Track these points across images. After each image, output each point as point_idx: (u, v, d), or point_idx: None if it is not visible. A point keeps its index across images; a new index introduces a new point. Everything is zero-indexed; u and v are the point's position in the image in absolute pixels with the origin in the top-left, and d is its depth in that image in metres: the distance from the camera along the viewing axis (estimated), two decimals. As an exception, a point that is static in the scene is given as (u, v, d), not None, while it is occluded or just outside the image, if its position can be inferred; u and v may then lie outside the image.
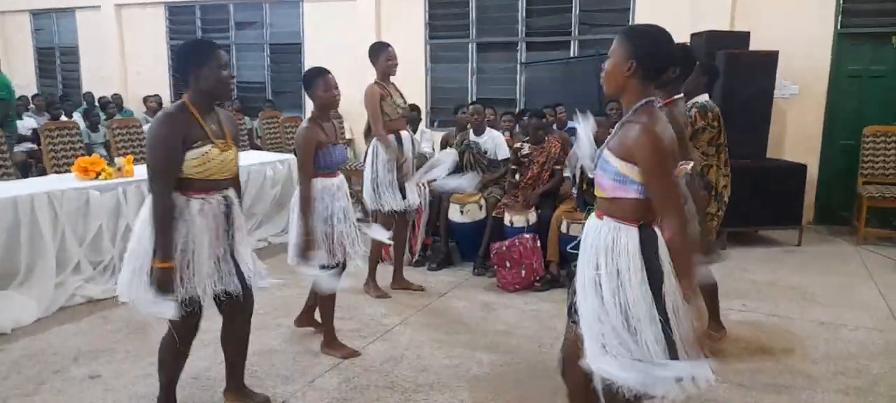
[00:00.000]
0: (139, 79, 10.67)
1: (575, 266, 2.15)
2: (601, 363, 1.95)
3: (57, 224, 4.24)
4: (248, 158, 5.97)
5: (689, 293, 1.94)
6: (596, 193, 2.07)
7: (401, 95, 4.53)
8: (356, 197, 4.23)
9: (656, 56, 1.95)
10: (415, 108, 5.79)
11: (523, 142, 5.44)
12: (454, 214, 5.25)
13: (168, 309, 2.38)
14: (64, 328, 3.95)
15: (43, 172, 6.71)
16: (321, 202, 3.40)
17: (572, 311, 2.14)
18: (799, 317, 4.28)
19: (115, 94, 10.05)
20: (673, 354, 1.91)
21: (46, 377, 3.30)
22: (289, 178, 6.11)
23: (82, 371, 3.36)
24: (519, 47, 8.27)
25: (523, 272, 4.69)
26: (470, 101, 7.67)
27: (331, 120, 3.56)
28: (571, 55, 7.92)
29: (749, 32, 6.47)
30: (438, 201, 5.43)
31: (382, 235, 3.97)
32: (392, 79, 4.52)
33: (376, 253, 4.62)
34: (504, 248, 4.71)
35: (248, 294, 2.71)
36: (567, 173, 5.28)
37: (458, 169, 5.60)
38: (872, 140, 6.51)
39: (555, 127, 5.93)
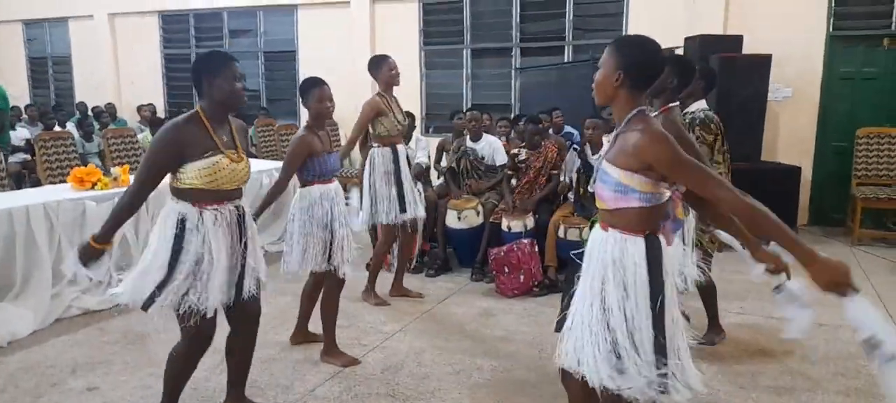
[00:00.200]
0: (133, 89, 10.65)
1: (576, 276, 2.15)
2: (603, 371, 1.96)
3: (53, 235, 4.22)
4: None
5: (793, 246, 1.81)
6: (598, 205, 2.07)
7: (400, 110, 4.52)
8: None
9: (644, 66, 1.96)
10: (409, 116, 5.80)
11: (520, 147, 5.45)
12: (451, 220, 5.25)
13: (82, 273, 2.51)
14: (60, 340, 3.92)
15: (37, 183, 6.68)
16: (321, 208, 3.42)
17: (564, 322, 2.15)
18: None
19: (109, 104, 10.02)
20: (662, 364, 1.93)
21: (44, 390, 3.28)
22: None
23: (80, 384, 3.34)
24: (513, 53, 8.30)
25: (522, 277, 4.69)
26: (465, 108, 7.71)
27: (325, 128, 3.57)
28: (566, 60, 7.95)
29: (742, 36, 6.51)
30: (435, 207, 5.43)
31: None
32: (394, 91, 4.52)
33: (379, 262, 4.60)
34: (502, 254, 4.72)
35: (257, 302, 2.70)
36: (563, 178, 5.29)
37: (454, 175, 5.63)
38: (865, 141, 6.55)
39: (551, 131, 5.93)
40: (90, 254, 2.46)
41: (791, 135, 7.02)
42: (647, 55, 1.97)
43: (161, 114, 10.02)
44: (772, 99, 6.68)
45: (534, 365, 3.59)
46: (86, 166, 5.38)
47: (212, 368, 3.34)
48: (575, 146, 5.27)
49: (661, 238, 1.99)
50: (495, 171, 5.50)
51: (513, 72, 8.31)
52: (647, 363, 1.92)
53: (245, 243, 2.62)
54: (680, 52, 6.77)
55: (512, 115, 7.22)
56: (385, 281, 4.78)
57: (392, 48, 8.63)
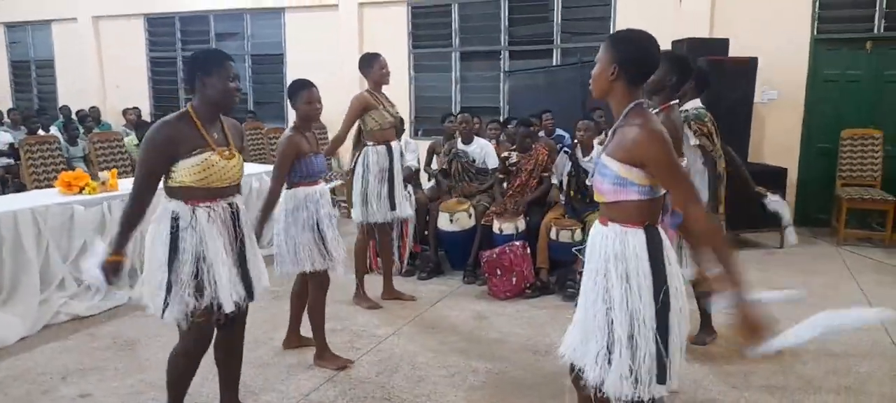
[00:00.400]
0: (117, 92, 10.54)
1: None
2: (603, 373, 1.98)
3: (40, 240, 4.17)
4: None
5: (731, 277, 1.89)
6: (596, 199, 2.08)
7: (392, 105, 4.53)
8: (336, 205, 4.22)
9: (639, 60, 1.98)
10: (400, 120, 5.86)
11: (511, 150, 5.46)
12: (443, 223, 5.25)
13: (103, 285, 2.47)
14: (50, 346, 3.86)
15: (20, 187, 6.59)
16: (306, 210, 3.41)
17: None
18: (787, 318, 4.30)
19: (93, 107, 9.92)
20: (662, 366, 1.94)
21: (35, 398, 3.23)
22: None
23: (72, 391, 3.29)
24: (502, 56, 8.32)
25: (514, 279, 4.69)
26: (454, 111, 7.73)
27: (311, 130, 3.57)
28: (554, 63, 7.98)
29: (728, 39, 6.58)
30: (426, 210, 5.43)
31: None
32: (384, 89, 4.52)
33: (362, 264, 4.59)
34: (494, 256, 4.72)
35: (243, 312, 2.68)
36: (554, 180, 5.31)
37: (445, 177, 5.63)
38: (850, 143, 6.65)
39: (542, 134, 5.95)
40: (110, 269, 2.41)
41: (777, 137, 7.10)
42: (641, 49, 1.99)
43: (147, 117, 9.94)
44: (758, 101, 6.76)
45: (529, 367, 3.59)
46: (71, 170, 5.32)
47: (205, 373, 3.30)
48: (566, 149, 5.29)
49: (661, 229, 2.01)
50: (487, 174, 5.51)
51: (501, 75, 8.33)
52: (647, 357, 1.92)
53: (242, 241, 2.59)
54: (668, 54, 6.83)
55: (501, 118, 7.24)
56: (376, 284, 4.77)
57: (381, 50, 8.59)
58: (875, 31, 6.74)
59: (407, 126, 7.87)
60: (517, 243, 4.81)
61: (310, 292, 3.53)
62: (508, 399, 3.23)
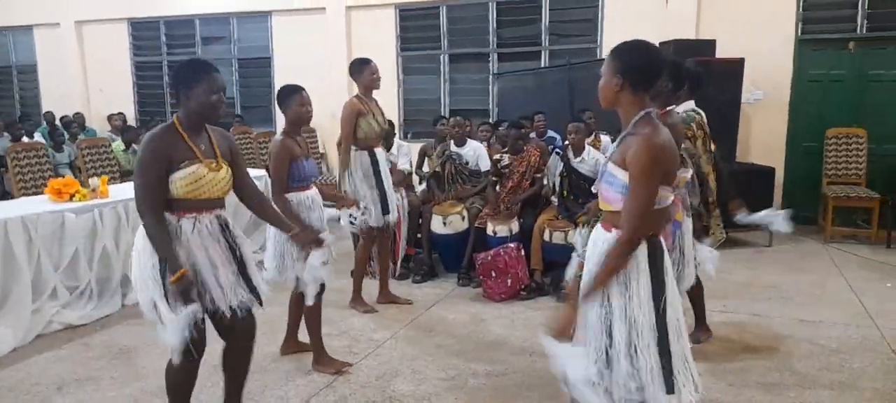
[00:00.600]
0: (102, 97, 10.43)
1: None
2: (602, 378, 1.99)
3: (32, 248, 4.10)
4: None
5: (590, 289, 2.00)
6: (602, 206, 2.09)
7: (381, 112, 4.52)
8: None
9: (642, 69, 2.00)
10: (390, 123, 5.85)
11: (502, 152, 5.48)
12: (437, 226, 5.25)
13: (190, 317, 2.33)
14: (43, 356, 3.81)
15: (6, 195, 6.50)
16: (296, 219, 3.38)
17: None
18: (779, 316, 4.40)
19: (77, 113, 9.80)
20: (668, 368, 1.94)
21: (30, 408, 3.19)
22: (265, 194, 6.02)
23: (68, 401, 3.26)
24: (490, 58, 8.35)
25: (509, 281, 4.71)
26: (443, 113, 7.74)
27: (302, 134, 3.56)
28: (542, 65, 8.02)
29: (715, 41, 6.65)
30: (419, 213, 5.43)
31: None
32: (374, 94, 4.52)
33: (362, 268, 4.59)
34: (489, 258, 4.73)
35: (251, 316, 2.65)
36: (546, 181, 5.34)
37: (438, 180, 5.64)
38: (834, 142, 6.75)
39: (533, 135, 5.98)
40: (181, 287, 2.33)
41: (763, 137, 7.19)
42: (643, 58, 2.01)
43: (132, 122, 9.83)
44: (744, 102, 6.84)
45: (528, 369, 3.61)
46: (58, 177, 5.26)
47: (203, 381, 3.27)
48: (557, 150, 5.32)
49: (663, 240, 2.03)
50: (480, 176, 5.52)
51: (490, 77, 8.36)
52: (651, 366, 1.94)
53: (235, 252, 2.57)
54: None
55: (491, 120, 7.27)
56: (371, 288, 4.76)
57: (369, 53, 8.53)
58: (858, 31, 6.86)
59: (396, 129, 7.89)
60: (511, 245, 4.83)
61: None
62: (511, 401, 3.24)
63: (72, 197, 4.52)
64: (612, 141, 5.59)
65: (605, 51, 7.63)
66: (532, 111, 6.50)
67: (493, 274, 4.73)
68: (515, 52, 8.27)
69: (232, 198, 2.71)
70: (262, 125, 9.37)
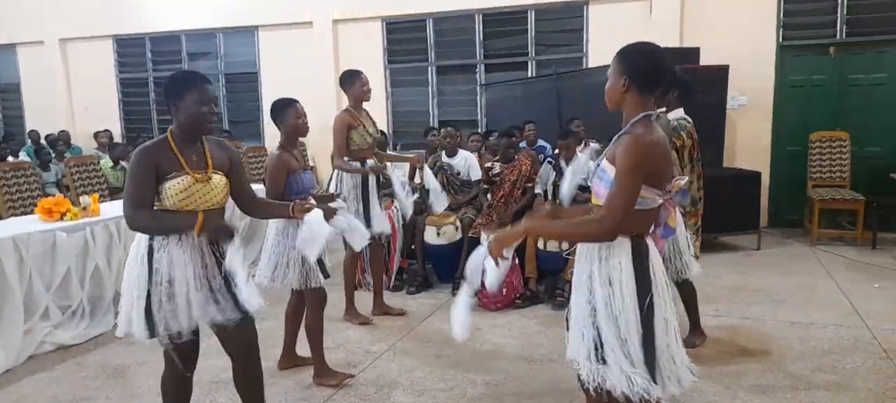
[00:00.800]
0: (87, 115, 10.34)
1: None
2: (592, 368, 2.02)
3: (23, 268, 4.05)
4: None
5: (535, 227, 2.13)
6: (593, 202, 2.12)
7: (372, 123, 4.54)
8: None
9: (648, 70, 2.03)
10: (382, 134, 5.88)
11: (493, 161, 5.51)
12: (430, 237, 5.27)
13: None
14: (36, 377, 3.77)
15: (-8, 215, 6.42)
16: (295, 228, 3.37)
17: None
18: (771, 319, 4.45)
19: (63, 131, 9.70)
20: (651, 363, 1.97)
21: (27, 430, 3.16)
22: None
23: (64, 422, 3.23)
24: (478, 69, 8.41)
25: (504, 290, 4.73)
26: (432, 125, 7.77)
27: (298, 147, 3.57)
28: (530, 75, 8.09)
29: (699, 48, 6.75)
30: (413, 224, 5.45)
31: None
32: (364, 105, 4.54)
33: (351, 280, 4.58)
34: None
35: (249, 327, 2.61)
36: (538, 190, 5.37)
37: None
38: (818, 145, 6.87)
39: (524, 144, 6.03)
40: (215, 227, 2.46)
41: (749, 142, 7.30)
42: (649, 60, 2.05)
43: (118, 139, 9.77)
44: (729, 107, 6.94)
45: (526, 377, 3.62)
46: (45, 197, 5.21)
47: (198, 399, 3.27)
48: (549, 159, 5.37)
49: (650, 241, 2.05)
50: (471, 186, 5.55)
51: (478, 88, 8.41)
52: (635, 360, 1.96)
53: (219, 266, 2.53)
54: (640, 65, 6.97)
55: (480, 130, 7.31)
56: (364, 300, 4.76)
57: (356, 66, 8.61)
58: (838, 36, 7.00)
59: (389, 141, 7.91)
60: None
61: (308, 309, 3.51)
62: (510, 410, 3.27)
63: (62, 216, 4.48)
64: (602, 148, 5.67)
65: (591, 60, 7.73)
66: (522, 121, 6.56)
67: (488, 284, 4.74)
68: (502, 62, 8.33)
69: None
70: (251, 140, 9.35)
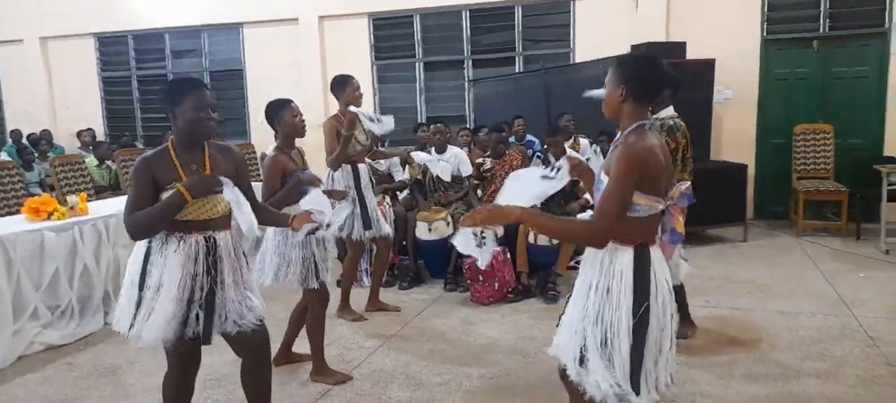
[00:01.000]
0: (68, 114, 10.20)
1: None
2: (577, 371, 2.05)
3: (11, 269, 4.00)
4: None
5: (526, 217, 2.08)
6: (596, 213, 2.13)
7: (362, 130, 4.51)
8: None
9: (646, 80, 2.06)
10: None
11: (484, 156, 5.52)
12: (422, 232, 5.27)
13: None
14: (27, 378, 3.72)
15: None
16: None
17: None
18: (760, 309, 4.51)
19: (44, 130, 9.58)
20: (636, 371, 1.98)
21: (19, 431, 3.12)
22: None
23: (58, 422, 3.19)
24: (465, 65, 8.41)
25: (496, 285, 4.75)
26: (420, 121, 7.77)
27: (295, 148, 3.55)
28: (517, 71, 8.11)
29: (685, 42, 6.81)
30: (404, 220, 5.44)
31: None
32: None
33: (350, 277, 4.58)
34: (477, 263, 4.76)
35: (261, 329, 2.59)
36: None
37: (421, 188, 5.67)
38: (803, 138, 6.96)
39: (512, 139, 6.05)
40: (197, 182, 2.39)
41: (735, 135, 7.38)
42: (646, 69, 2.07)
43: (101, 138, 9.64)
44: (715, 101, 7.01)
45: (521, 370, 3.64)
46: (30, 197, 5.15)
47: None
48: (538, 154, 5.39)
49: (655, 250, 2.06)
50: (462, 182, 5.56)
51: (466, 84, 8.42)
52: (618, 367, 1.98)
53: (216, 276, 2.47)
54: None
55: (470, 126, 7.32)
56: (359, 296, 4.75)
57: (343, 63, 8.69)
58: (821, 30, 7.10)
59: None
60: (498, 248, 4.86)
61: (311, 307, 3.50)
62: (506, 402, 3.27)
63: (50, 215, 4.42)
64: (591, 144, 5.71)
65: (578, 55, 7.77)
66: (511, 116, 6.58)
67: (481, 279, 4.76)
68: (490, 58, 8.34)
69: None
70: (237, 138, 9.27)
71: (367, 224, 4.36)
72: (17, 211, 4.90)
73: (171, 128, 2.47)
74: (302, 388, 3.48)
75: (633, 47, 6.98)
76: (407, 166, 6.09)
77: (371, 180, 4.56)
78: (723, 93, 7.25)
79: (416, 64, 8.60)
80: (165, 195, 2.36)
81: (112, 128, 10.17)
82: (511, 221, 2.13)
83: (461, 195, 5.53)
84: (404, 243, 5.49)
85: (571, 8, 7.87)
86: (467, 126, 7.23)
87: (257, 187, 3.07)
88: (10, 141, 9.40)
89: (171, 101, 2.42)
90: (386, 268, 4.87)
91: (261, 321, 2.58)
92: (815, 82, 7.19)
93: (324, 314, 3.53)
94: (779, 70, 7.29)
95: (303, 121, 3.48)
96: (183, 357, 2.52)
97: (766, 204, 7.45)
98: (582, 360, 2.03)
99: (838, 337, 3.96)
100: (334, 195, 3.66)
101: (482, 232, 2.21)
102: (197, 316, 2.42)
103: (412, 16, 8.50)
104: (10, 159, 7.58)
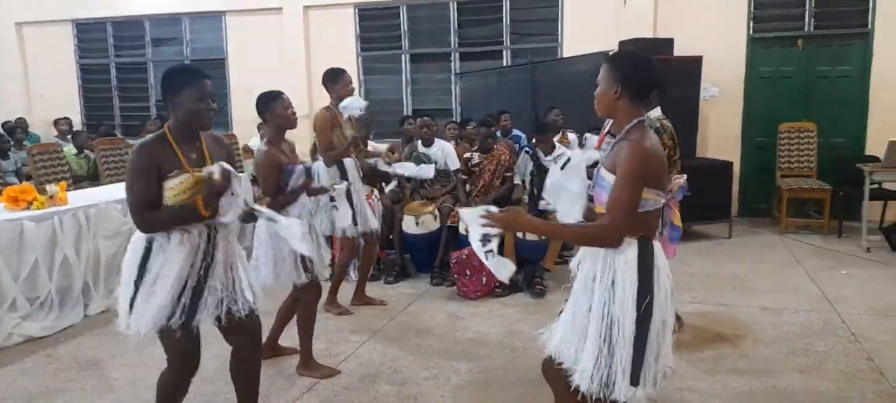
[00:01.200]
0: (44, 102, 9.99)
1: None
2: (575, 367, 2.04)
3: (-11, 259, 3.92)
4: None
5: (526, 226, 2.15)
6: (596, 210, 2.11)
7: (349, 124, 4.47)
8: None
9: (640, 78, 2.05)
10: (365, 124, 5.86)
11: (472, 151, 5.50)
12: (409, 226, 5.24)
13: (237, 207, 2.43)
14: (6, 370, 3.64)
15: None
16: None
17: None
18: (744, 305, 4.55)
19: (20, 119, 9.36)
20: (638, 363, 1.97)
21: (-3, 425, 3.04)
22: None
23: (38, 416, 3.12)
24: (452, 57, 8.37)
25: (484, 279, 4.74)
26: (405, 113, 7.72)
27: (286, 141, 3.50)
28: (504, 64, 8.09)
29: (672, 39, 6.83)
30: (391, 214, 5.40)
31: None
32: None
33: (342, 274, 4.52)
34: (464, 257, 4.75)
35: (252, 317, 2.57)
36: (517, 179, 5.38)
37: (408, 181, 5.62)
38: (787, 136, 7.02)
39: (499, 134, 6.03)
40: (206, 196, 2.36)
41: (720, 133, 7.43)
42: (642, 67, 2.07)
43: (78, 127, 9.46)
44: (702, 98, 7.04)
45: (509, 364, 3.63)
46: (5, 185, 5.03)
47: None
48: (526, 149, 5.38)
49: (656, 243, 2.06)
50: (449, 176, 5.53)
51: (452, 76, 8.38)
52: (618, 360, 1.97)
53: (209, 265, 2.46)
54: (615, 55, 7.04)
55: (456, 119, 7.29)
56: (343, 290, 4.69)
57: (328, 54, 8.59)
58: (805, 29, 7.16)
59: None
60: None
61: (302, 300, 3.46)
62: (495, 396, 3.27)
63: (29, 204, 4.32)
64: (579, 138, 5.71)
65: (566, 50, 7.77)
66: (497, 111, 6.56)
67: (468, 273, 4.75)
68: (477, 51, 8.31)
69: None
70: (218, 128, 9.13)
71: (354, 220, 4.31)
72: (-5, 200, 4.78)
73: (168, 116, 2.41)
74: (288, 380, 3.44)
75: (621, 43, 6.99)
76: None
77: (358, 173, 4.51)
78: (709, 90, 7.29)
79: (403, 56, 8.54)
80: (169, 183, 2.32)
81: (90, 117, 9.99)
82: (522, 230, 2.12)
83: (448, 189, 5.50)
84: (390, 237, 5.44)
85: (559, 2, 7.86)
86: (454, 119, 7.20)
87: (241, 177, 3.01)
88: (-16, 129, 9.18)
89: (170, 90, 2.38)
90: (372, 263, 4.82)
91: (253, 308, 2.56)
92: (799, 81, 7.25)
93: (315, 308, 3.49)
94: (764, 68, 7.34)
95: (294, 113, 3.43)
96: (183, 356, 2.47)
97: (751, 202, 7.52)
98: (578, 353, 2.02)
99: (821, 333, 4.00)
100: (313, 192, 3.61)
101: (489, 242, 2.16)
102: (185, 303, 2.39)
103: (399, 7, 8.43)
104: (-15, 147, 7.40)
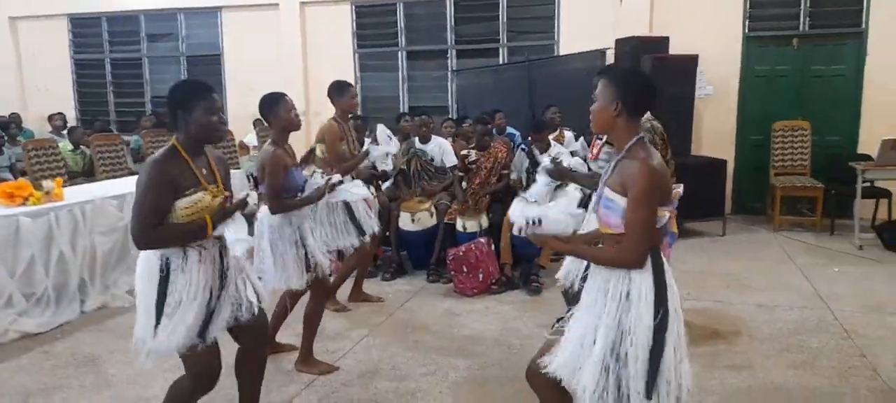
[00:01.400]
0: (39, 97, 9.94)
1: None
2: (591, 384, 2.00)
3: (-16, 255, 3.91)
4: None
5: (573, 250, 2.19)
6: (602, 230, 2.10)
7: (353, 139, 4.46)
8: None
9: (640, 94, 2.05)
10: (361, 119, 5.86)
11: (469, 148, 5.51)
12: (405, 223, 5.25)
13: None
14: (3, 367, 3.64)
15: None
16: (290, 226, 3.34)
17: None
18: (739, 302, 4.58)
19: (14, 114, 9.31)
20: (653, 376, 1.94)
21: (-4, 422, 3.04)
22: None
23: (37, 412, 3.12)
24: (449, 55, 8.38)
25: (480, 276, 4.75)
26: (402, 110, 7.73)
27: (288, 142, 3.50)
28: (501, 62, 8.10)
29: (668, 38, 6.85)
30: (388, 212, 5.41)
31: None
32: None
33: (347, 273, 4.51)
34: (461, 254, 4.76)
35: (255, 321, 2.58)
36: (513, 176, 5.40)
37: (405, 177, 5.63)
38: (781, 134, 7.06)
39: (494, 131, 6.04)
40: (217, 215, 2.38)
41: (715, 131, 7.46)
42: (640, 84, 2.07)
43: (73, 122, 9.42)
44: (697, 96, 7.07)
45: (506, 361, 3.65)
46: (1, 181, 5.01)
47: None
48: (522, 146, 5.39)
49: (661, 252, 2.07)
50: (445, 173, 5.54)
51: (449, 74, 8.38)
52: (634, 373, 1.95)
53: (225, 275, 2.48)
54: (611, 53, 7.07)
55: (453, 116, 7.30)
56: (341, 287, 4.70)
57: (325, 51, 8.60)
58: (801, 28, 7.19)
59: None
60: (482, 240, 4.87)
61: (311, 298, 3.47)
62: (493, 393, 3.29)
63: (25, 200, 4.31)
64: (576, 137, 5.72)
65: (563, 48, 7.78)
66: (491, 108, 6.56)
67: (465, 270, 4.76)
68: (473, 48, 8.32)
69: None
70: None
71: (361, 230, 4.26)
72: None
73: (178, 129, 2.37)
74: (286, 377, 3.46)
75: (618, 42, 7.02)
76: (389, 156, 6.05)
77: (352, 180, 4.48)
78: (704, 88, 7.32)
79: (399, 53, 8.54)
80: (183, 202, 2.29)
81: (84, 113, 9.95)
82: (550, 248, 2.23)
83: (445, 185, 5.52)
84: (387, 234, 5.45)
85: (556, 0, 7.87)
86: (450, 116, 7.20)
87: (234, 174, 3.01)
88: (-22, 124, 9.13)
89: (180, 106, 2.35)
90: (369, 261, 4.83)
91: (259, 306, 2.58)
92: (794, 80, 7.29)
93: (324, 306, 3.51)
94: (759, 67, 7.38)
95: (297, 115, 3.43)
96: (211, 372, 2.44)
97: (744, 200, 7.56)
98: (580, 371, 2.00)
99: (815, 330, 4.04)
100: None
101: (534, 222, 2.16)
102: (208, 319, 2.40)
103: (396, 4, 8.43)
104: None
